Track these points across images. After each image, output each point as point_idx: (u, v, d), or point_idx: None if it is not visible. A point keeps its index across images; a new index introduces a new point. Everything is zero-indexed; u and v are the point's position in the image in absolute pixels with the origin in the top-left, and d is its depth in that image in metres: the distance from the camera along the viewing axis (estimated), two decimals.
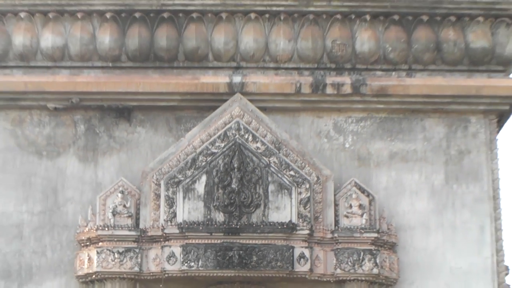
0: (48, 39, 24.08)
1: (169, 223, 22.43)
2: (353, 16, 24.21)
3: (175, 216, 22.51)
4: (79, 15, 24.04)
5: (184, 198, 22.65)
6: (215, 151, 23.06)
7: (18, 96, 24.12)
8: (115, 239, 22.55)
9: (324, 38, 24.26)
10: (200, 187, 22.73)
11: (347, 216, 22.90)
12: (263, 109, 23.79)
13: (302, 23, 24.27)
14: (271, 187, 22.74)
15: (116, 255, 22.43)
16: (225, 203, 22.57)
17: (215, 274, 22.43)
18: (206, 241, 22.32)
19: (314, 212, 22.75)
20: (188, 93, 24.09)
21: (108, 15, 24.02)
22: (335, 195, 23.07)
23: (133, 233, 22.59)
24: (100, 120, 24.32)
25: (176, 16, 24.16)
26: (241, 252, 22.27)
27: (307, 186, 22.75)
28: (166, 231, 22.36)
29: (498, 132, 24.78)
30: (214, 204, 22.56)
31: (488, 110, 24.42)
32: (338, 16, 24.16)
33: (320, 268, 22.51)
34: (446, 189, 24.01)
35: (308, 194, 22.69)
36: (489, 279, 23.45)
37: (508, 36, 24.26)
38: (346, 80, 24.11)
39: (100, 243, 22.53)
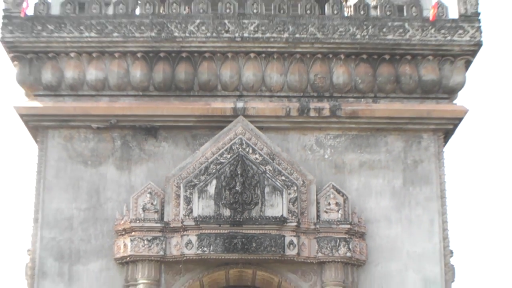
0: (92, 73, 25.26)
1: (187, 217, 23.64)
2: (330, 56, 25.41)
3: (191, 211, 23.69)
4: (116, 54, 25.27)
5: (198, 197, 23.85)
6: (223, 161, 24.30)
7: (68, 118, 25.23)
8: (145, 230, 23.69)
9: (308, 73, 25.48)
10: (211, 189, 23.93)
11: (326, 212, 24.08)
12: (260, 128, 24.96)
13: (290, 61, 25.46)
14: (267, 189, 23.96)
15: (146, 242, 23.59)
16: (231, 202, 23.76)
17: (223, 257, 23.57)
18: (216, 231, 23.51)
19: (301, 209, 23.96)
20: (202, 115, 25.27)
21: (139, 55, 25.25)
22: (317, 195, 24.26)
23: (158, 225, 23.75)
24: (133, 136, 25.42)
25: (192, 55, 25.34)
26: (243, 239, 23.43)
27: (295, 188, 24.04)
28: (184, 223, 23.58)
29: (444, 146, 25.90)
30: (222, 202, 23.78)
31: (437, 129, 25.59)
32: (319, 55, 25.40)
33: (305, 252, 23.64)
34: (403, 191, 25.16)
35: (296, 195, 23.98)
36: (437, 261, 24.54)
37: (452, 71, 25.40)
38: (325, 105, 25.31)
39: (133, 233, 23.73)
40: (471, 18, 25.53)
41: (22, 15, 25.37)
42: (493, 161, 59.15)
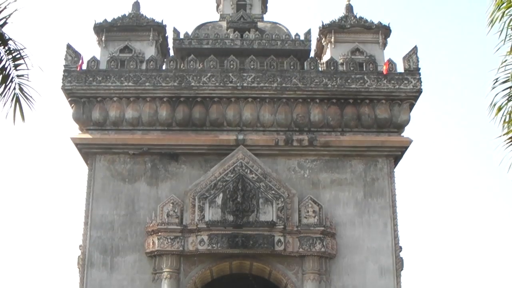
0: (130, 113, 25.14)
1: (200, 221, 23.38)
2: (308, 100, 25.24)
3: (204, 217, 23.44)
4: (148, 99, 25.12)
5: (209, 207, 23.61)
6: (228, 179, 24.02)
7: (111, 146, 25.13)
8: (168, 231, 23.43)
9: (292, 113, 25.23)
10: (219, 200, 23.67)
11: (306, 217, 23.78)
12: (256, 154, 24.65)
13: (279, 104, 25.24)
14: (261, 200, 23.69)
15: (169, 240, 23.34)
16: (234, 210, 23.49)
17: (227, 252, 23.36)
18: (222, 232, 23.26)
19: (286, 215, 23.64)
20: (212, 145, 25.06)
21: (164, 99, 25.09)
22: (298, 205, 23.95)
23: (179, 227, 23.48)
24: (160, 160, 25.14)
25: (205, 100, 25.17)
26: (243, 238, 23.19)
27: (282, 199, 23.76)
28: (199, 226, 23.32)
29: (395, 167, 25.68)
30: (227, 210, 23.50)
31: (389, 155, 25.36)
32: (300, 100, 25.21)
33: (290, 248, 23.39)
34: (364, 201, 24.86)
35: (283, 204, 23.70)
36: (390, 254, 24.28)
37: (399, 111, 25.23)
38: (305, 137, 25.04)
39: (160, 233, 23.46)
40: (413, 72, 25.48)
41: (78, 69, 25.38)
42: (433, 177, 59.21)
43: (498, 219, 56.76)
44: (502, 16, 12.68)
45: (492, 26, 12.96)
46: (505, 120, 13.06)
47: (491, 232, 56.42)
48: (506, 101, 13.01)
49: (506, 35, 12.86)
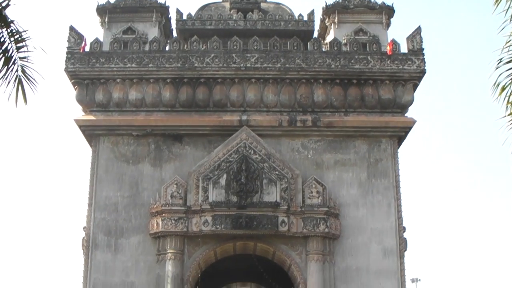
0: (133, 94, 25.14)
1: (204, 202, 23.40)
2: (312, 80, 25.20)
3: (208, 198, 23.46)
4: (151, 80, 25.11)
5: (213, 187, 23.60)
6: (231, 160, 24.02)
7: (115, 128, 25.15)
8: (172, 212, 23.49)
9: (295, 93, 25.21)
10: (223, 181, 23.68)
11: (309, 198, 23.80)
12: (259, 135, 24.66)
13: (282, 85, 25.22)
14: (264, 181, 23.68)
15: (173, 221, 23.39)
16: (237, 190, 23.50)
17: (231, 233, 23.44)
18: (226, 213, 23.31)
19: (290, 196, 23.65)
20: (215, 126, 25.09)
21: (168, 80, 25.08)
22: (302, 185, 23.96)
23: (182, 208, 23.52)
24: (163, 142, 25.18)
25: (208, 80, 25.15)
26: (247, 219, 23.24)
27: (286, 180, 23.76)
28: (202, 207, 23.35)
29: (398, 148, 25.66)
30: (231, 191, 23.51)
31: (392, 135, 25.37)
32: (303, 80, 25.18)
33: (294, 229, 23.44)
34: (368, 182, 24.88)
35: (286, 185, 23.71)
36: (393, 235, 24.32)
37: (403, 92, 25.21)
38: (309, 118, 25.05)
39: (163, 214, 23.52)
40: (417, 52, 25.43)
41: (81, 51, 25.39)
42: (436, 159, 59.28)
43: (501, 200, 56.88)
44: None
45: (498, 5, 12.87)
46: (508, 100, 13.01)
47: (494, 212, 56.60)
48: (510, 81, 12.95)
49: (506, 13, 12.78)
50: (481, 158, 58.64)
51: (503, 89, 13.03)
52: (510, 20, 12.91)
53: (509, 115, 13.23)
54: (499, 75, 13.06)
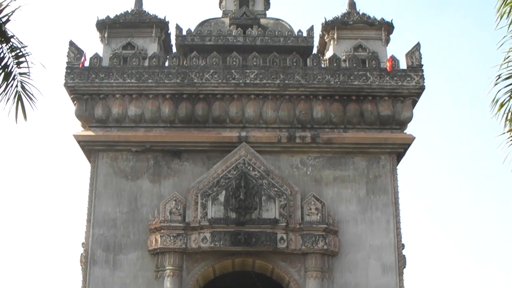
0: (132, 110, 25.16)
1: (203, 219, 23.34)
2: (311, 97, 25.24)
3: (206, 214, 23.41)
4: (150, 96, 25.14)
5: (212, 204, 23.57)
6: (230, 176, 24.01)
7: (114, 144, 25.12)
8: (171, 228, 23.43)
9: (295, 109, 25.22)
10: (222, 197, 23.65)
11: (308, 215, 23.76)
12: (258, 151, 24.63)
13: (281, 101, 25.25)
14: (263, 197, 23.66)
15: (172, 238, 23.31)
16: (236, 207, 23.47)
17: (230, 249, 23.36)
18: (225, 229, 23.24)
19: (289, 212, 23.61)
20: (214, 142, 25.06)
21: (167, 96, 25.10)
22: (301, 202, 23.93)
23: (181, 224, 23.48)
24: (162, 158, 25.12)
25: (207, 97, 25.16)
26: (245, 236, 23.16)
27: (285, 197, 23.73)
28: (201, 223, 23.29)
29: (397, 164, 25.63)
30: (229, 207, 23.47)
31: (391, 152, 25.35)
32: (303, 97, 25.22)
33: (293, 246, 23.36)
34: (366, 199, 24.82)
35: (285, 202, 23.68)
36: (392, 251, 24.23)
37: (402, 108, 25.21)
38: (308, 134, 25.04)
39: (162, 230, 23.45)
40: (416, 68, 25.46)
41: (80, 66, 25.41)
42: (435, 175, 59.19)
43: (501, 217, 56.76)
44: (510, 11, 12.65)
45: (500, 20, 12.93)
46: (507, 117, 13.05)
47: (493, 229, 56.44)
48: (509, 97, 13.00)
49: (508, 29, 12.83)
50: (480, 175, 58.54)
51: (501, 105, 13.06)
52: (508, 29, 12.96)
53: (508, 131, 13.25)
54: (498, 91, 13.11)
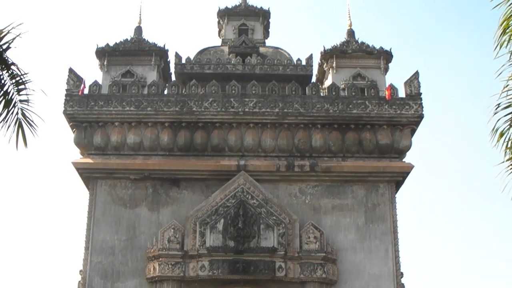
0: (131, 138, 25.16)
1: (201, 247, 23.27)
2: (310, 125, 25.27)
3: (205, 243, 23.33)
4: (149, 124, 25.14)
5: (210, 232, 23.51)
6: (229, 204, 23.98)
7: (113, 171, 25.10)
8: (169, 256, 23.34)
9: (293, 138, 25.27)
10: (220, 226, 23.59)
11: (307, 243, 23.68)
12: (257, 180, 24.62)
13: (280, 129, 25.29)
14: (262, 226, 23.60)
15: (170, 266, 23.23)
16: (235, 235, 23.39)
17: (228, 278, 23.21)
18: (223, 258, 23.17)
19: (287, 241, 23.53)
20: (213, 170, 25.03)
21: (166, 124, 25.13)
22: (299, 230, 23.85)
23: (180, 253, 23.39)
24: (161, 186, 25.10)
25: (206, 125, 25.20)
26: (244, 264, 23.07)
27: (283, 225, 23.67)
28: (200, 251, 23.22)
29: (396, 193, 25.66)
30: (228, 236, 23.40)
31: (390, 180, 25.34)
32: (301, 125, 25.25)
33: (291, 274, 23.25)
34: (365, 227, 24.77)
35: (284, 230, 23.60)
36: (391, 280, 24.14)
37: (401, 137, 25.27)
38: (306, 163, 25.05)
39: (160, 258, 23.37)
40: (415, 97, 25.53)
41: (80, 93, 25.42)
42: (434, 203, 59.14)
43: (501, 245, 56.60)
44: (509, 40, 12.70)
45: (500, 49, 12.96)
46: (507, 146, 13.04)
47: (493, 258, 56.25)
48: (509, 126, 13.00)
49: (510, 57, 12.85)
50: (479, 203, 58.48)
51: (501, 134, 13.06)
52: (507, 56, 12.98)
53: (507, 160, 13.24)
54: (498, 120, 13.11)
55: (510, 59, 12.79)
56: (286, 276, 23.20)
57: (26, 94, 13.49)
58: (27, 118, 13.45)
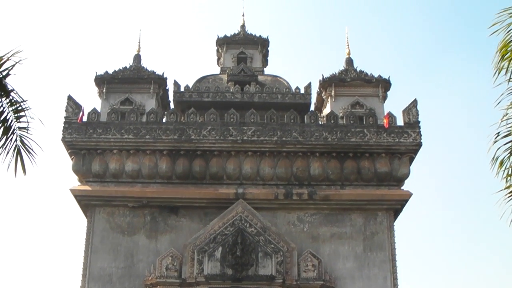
0: (129, 165, 25.07)
1: (199, 275, 23.12)
2: (308, 154, 25.20)
3: (203, 271, 23.19)
4: (148, 152, 25.06)
5: (208, 260, 23.36)
6: (227, 232, 23.86)
7: (111, 199, 24.98)
8: (167, 284, 23.19)
9: (292, 166, 25.19)
10: (218, 254, 23.45)
11: (305, 271, 23.54)
12: (255, 208, 24.50)
13: (278, 158, 25.22)
14: (260, 254, 23.46)
15: None
16: (233, 263, 23.25)
17: None
18: (221, 286, 23.06)
19: (286, 269, 23.39)
20: (212, 198, 24.94)
21: (164, 152, 25.04)
22: (298, 259, 23.69)
23: (178, 281, 23.23)
24: (159, 214, 25.01)
25: (205, 153, 25.13)
26: None
27: (281, 253, 23.52)
28: (197, 279, 23.07)
29: (394, 221, 25.50)
30: (226, 264, 23.26)
31: (389, 208, 25.23)
32: (300, 153, 25.17)
33: None
34: (364, 255, 24.63)
35: (282, 258, 23.46)
36: None
37: (399, 165, 25.20)
38: (305, 191, 24.96)
39: (158, 286, 23.21)
40: (413, 125, 25.51)
41: (78, 121, 25.37)
42: (433, 231, 58.98)
43: (500, 274, 56.35)
44: (508, 66, 12.67)
45: (498, 75, 12.92)
46: (507, 174, 12.97)
47: (492, 285, 55.99)
48: (508, 154, 12.94)
49: (508, 83, 12.82)
50: (478, 231, 58.32)
51: (501, 163, 13.00)
52: (504, 83, 12.94)
53: (506, 188, 13.17)
54: (497, 149, 13.05)
55: (508, 86, 12.76)
56: None
57: (25, 121, 13.42)
58: (26, 145, 13.37)
